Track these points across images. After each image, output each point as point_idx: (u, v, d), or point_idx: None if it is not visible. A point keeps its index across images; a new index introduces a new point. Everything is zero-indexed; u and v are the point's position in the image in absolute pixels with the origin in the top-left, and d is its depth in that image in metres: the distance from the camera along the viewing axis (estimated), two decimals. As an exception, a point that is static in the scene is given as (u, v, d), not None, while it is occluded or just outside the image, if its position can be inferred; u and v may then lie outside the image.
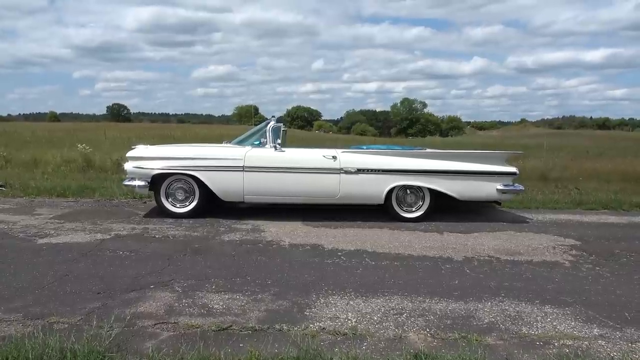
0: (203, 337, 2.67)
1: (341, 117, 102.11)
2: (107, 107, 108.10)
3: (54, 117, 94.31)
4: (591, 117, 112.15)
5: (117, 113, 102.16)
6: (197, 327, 2.80)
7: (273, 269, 3.95)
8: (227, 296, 3.32)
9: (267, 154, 5.88)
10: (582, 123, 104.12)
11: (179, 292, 3.37)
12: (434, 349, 2.60)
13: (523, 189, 6.16)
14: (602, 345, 2.75)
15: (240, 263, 4.07)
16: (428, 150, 6.41)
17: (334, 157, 5.84)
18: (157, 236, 4.94)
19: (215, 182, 5.76)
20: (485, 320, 3.04)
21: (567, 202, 7.89)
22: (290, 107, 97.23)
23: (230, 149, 6.02)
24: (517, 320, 3.05)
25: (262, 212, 6.27)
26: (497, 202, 6.26)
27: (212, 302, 3.19)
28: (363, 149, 6.37)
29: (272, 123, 6.10)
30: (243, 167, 5.73)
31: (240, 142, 6.29)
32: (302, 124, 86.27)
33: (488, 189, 5.96)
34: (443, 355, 2.44)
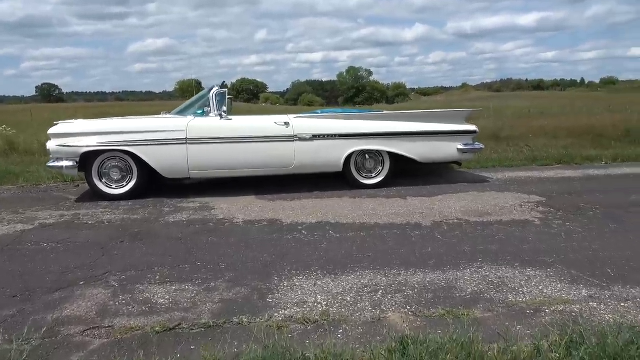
0: (144, 343, 2.20)
1: (288, 89, 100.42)
2: (37, 88, 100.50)
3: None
4: (527, 80, 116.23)
5: (48, 94, 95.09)
6: (137, 330, 2.32)
7: (227, 250, 3.48)
8: (173, 287, 2.83)
9: (212, 124, 5.30)
10: (518, 85, 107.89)
11: (115, 287, 2.85)
12: (420, 330, 2.27)
13: (483, 147, 5.98)
14: (595, 307, 2.53)
15: (189, 247, 3.57)
16: (386, 112, 6.05)
17: (287, 124, 5.36)
18: (89, 223, 4.32)
19: (155, 157, 5.14)
20: (468, 291, 2.74)
21: (522, 159, 7.86)
22: (235, 80, 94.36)
23: (171, 120, 5.39)
24: (501, 288, 2.78)
25: (212, 188, 5.73)
26: (458, 163, 6.05)
27: (155, 297, 2.70)
28: (318, 113, 5.92)
29: (215, 89, 5.50)
30: (186, 139, 5.13)
31: (181, 112, 5.66)
32: (248, 97, 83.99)
33: (449, 149, 5.71)
34: (433, 338, 2.11)
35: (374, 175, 5.72)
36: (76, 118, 6.04)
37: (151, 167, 5.16)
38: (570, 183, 5.91)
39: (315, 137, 5.38)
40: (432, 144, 5.67)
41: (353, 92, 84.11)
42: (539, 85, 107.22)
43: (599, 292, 2.72)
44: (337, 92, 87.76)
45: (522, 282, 2.86)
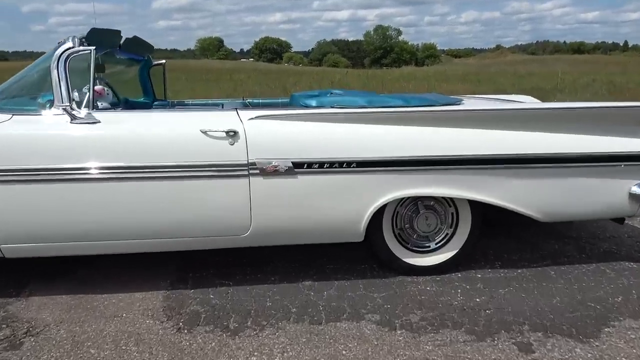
0: None
1: (312, 49, 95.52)
2: (58, 43, 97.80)
3: (2, 57, 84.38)
4: (565, 42, 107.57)
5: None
6: None
7: None
8: None
9: (45, 134, 2.20)
10: (556, 48, 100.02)
11: None
12: None
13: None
14: None
15: None
16: (466, 104, 2.71)
17: (232, 135, 2.22)
18: None
19: None
20: None
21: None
22: (258, 39, 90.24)
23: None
24: None
25: (86, 262, 2.69)
26: (619, 219, 2.79)
27: None
28: (311, 104, 2.67)
29: (66, 47, 2.35)
30: (-18, 170, 2.08)
31: None
32: (271, 57, 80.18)
33: (610, 196, 2.49)
34: None
35: (432, 246, 2.57)
36: None
37: None
38: None
39: (300, 166, 2.23)
40: (576, 184, 2.45)
41: (380, 52, 79.08)
42: (579, 49, 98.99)
43: None
44: (363, 53, 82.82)
45: None
